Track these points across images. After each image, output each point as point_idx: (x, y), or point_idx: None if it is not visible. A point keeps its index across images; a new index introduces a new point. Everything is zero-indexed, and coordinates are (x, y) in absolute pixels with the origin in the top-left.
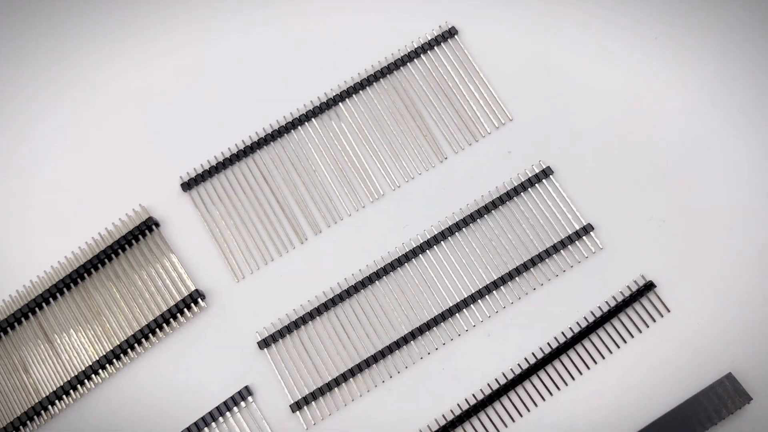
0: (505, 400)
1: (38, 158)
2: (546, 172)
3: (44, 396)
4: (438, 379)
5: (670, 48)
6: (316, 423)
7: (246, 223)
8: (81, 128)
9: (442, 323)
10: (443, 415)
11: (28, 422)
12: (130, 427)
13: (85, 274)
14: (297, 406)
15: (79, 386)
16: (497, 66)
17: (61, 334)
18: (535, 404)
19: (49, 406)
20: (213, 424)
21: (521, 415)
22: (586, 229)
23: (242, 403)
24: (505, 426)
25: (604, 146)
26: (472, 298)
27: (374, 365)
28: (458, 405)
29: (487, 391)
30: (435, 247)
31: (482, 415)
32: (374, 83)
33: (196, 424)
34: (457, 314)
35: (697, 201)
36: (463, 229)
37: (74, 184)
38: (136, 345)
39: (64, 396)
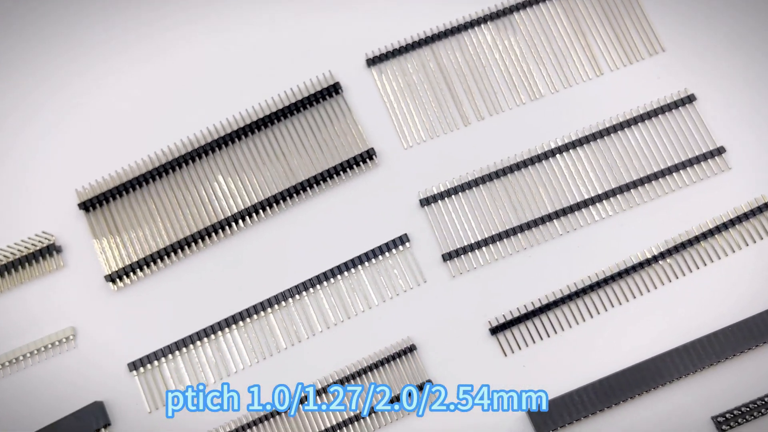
0: (629, 280)
1: (259, 21)
2: (690, 98)
3: (230, 214)
4: (572, 254)
5: None
6: (462, 273)
7: (418, 101)
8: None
9: (583, 209)
10: (575, 283)
11: (213, 233)
12: (300, 250)
13: (276, 120)
14: (448, 256)
15: (261, 211)
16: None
17: (246, 169)
18: (655, 287)
19: (233, 223)
20: (373, 260)
21: (641, 294)
22: (720, 151)
23: (400, 247)
24: (627, 300)
25: (747, 80)
26: (613, 192)
27: (520, 234)
28: (588, 277)
29: (615, 270)
30: (585, 145)
31: (608, 289)
32: (547, 1)
33: (359, 257)
34: (597, 203)
35: None
36: (611, 135)
37: (279, 47)
38: (314, 185)
39: (247, 216)
